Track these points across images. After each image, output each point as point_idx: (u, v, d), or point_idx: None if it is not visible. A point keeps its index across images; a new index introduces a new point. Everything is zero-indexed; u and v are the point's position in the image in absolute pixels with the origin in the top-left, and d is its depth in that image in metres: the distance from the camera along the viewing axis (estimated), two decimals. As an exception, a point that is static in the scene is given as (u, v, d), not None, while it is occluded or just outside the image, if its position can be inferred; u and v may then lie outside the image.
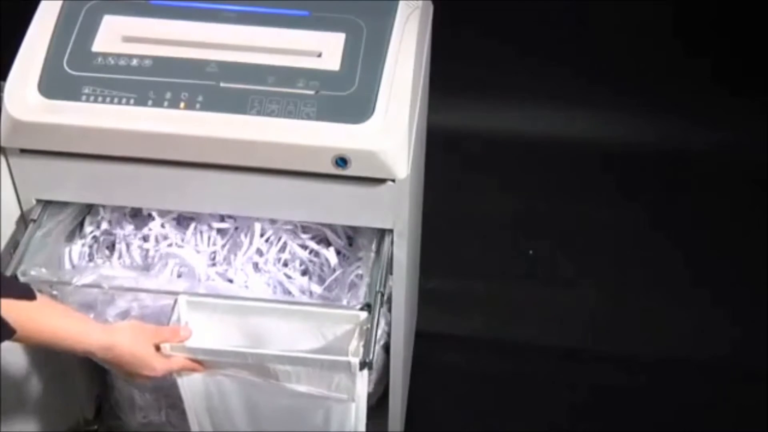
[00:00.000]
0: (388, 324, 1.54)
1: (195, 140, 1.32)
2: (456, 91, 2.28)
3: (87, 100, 1.32)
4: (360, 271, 1.40)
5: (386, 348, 1.59)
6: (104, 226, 1.49)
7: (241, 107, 1.32)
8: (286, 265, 1.48)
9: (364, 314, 1.32)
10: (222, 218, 1.50)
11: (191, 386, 1.38)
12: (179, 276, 1.45)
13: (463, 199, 2.32)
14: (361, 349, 1.29)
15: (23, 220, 1.43)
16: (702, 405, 1.97)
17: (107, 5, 1.40)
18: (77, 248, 1.48)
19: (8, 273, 1.33)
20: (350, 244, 1.50)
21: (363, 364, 1.27)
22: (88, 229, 1.50)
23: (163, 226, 1.48)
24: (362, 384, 1.32)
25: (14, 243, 1.40)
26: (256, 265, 1.47)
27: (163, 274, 1.44)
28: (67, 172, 1.38)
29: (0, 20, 1.84)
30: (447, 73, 1.84)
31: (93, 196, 1.45)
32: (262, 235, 1.47)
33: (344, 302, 1.38)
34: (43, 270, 1.35)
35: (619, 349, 2.07)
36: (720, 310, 2.13)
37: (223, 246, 1.49)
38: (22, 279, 1.33)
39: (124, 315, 1.37)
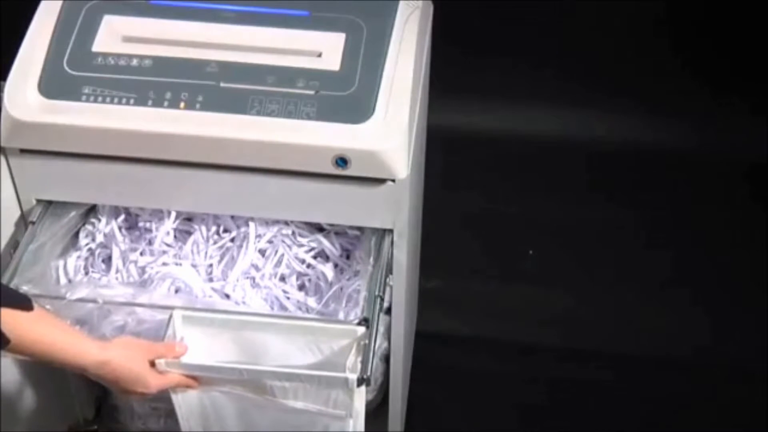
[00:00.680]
0: (388, 328, 1.53)
1: (195, 140, 1.32)
2: (456, 91, 2.28)
3: (87, 100, 1.32)
4: (358, 286, 1.39)
5: (385, 359, 1.59)
6: (99, 238, 1.48)
7: (241, 107, 1.32)
8: (283, 279, 1.47)
9: (361, 329, 1.30)
10: (218, 232, 1.49)
11: (186, 403, 1.36)
12: (176, 291, 1.44)
13: (463, 199, 2.32)
14: (359, 365, 1.27)
15: (23, 221, 1.43)
16: (714, 405, 1.97)
17: (107, 5, 1.40)
18: (72, 261, 1.46)
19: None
20: (347, 257, 1.49)
21: (361, 381, 1.25)
22: (83, 241, 1.48)
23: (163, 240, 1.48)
24: (360, 400, 1.30)
25: (14, 243, 1.40)
26: (253, 280, 1.47)
27: (159, 289, 1.42)
28: (67, 172, 1.38)
29: (0, 20, 1.84)
30: (447, 73, 1.84)
31: (93, 196, 1.45)
32: (258, 237, 1.47)
33: (341, 316, 1.36)
34: (32, 286, 1.33)
35: (619, 349, 2.07)
36: (719, 310, 2.14)
37: (219, 261, 1.48)
38: None
39: (120, 330, 1.35)
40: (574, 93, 2.42)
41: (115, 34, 1.38)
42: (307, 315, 1.43)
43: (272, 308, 1.45)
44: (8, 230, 1.43)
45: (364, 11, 1.39)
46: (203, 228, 1.49)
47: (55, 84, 1.33)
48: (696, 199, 2.34)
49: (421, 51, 1.41)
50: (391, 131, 1.31)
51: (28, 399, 1.57)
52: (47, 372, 1.58)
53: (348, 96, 1.32)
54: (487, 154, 2.39)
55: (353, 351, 1.30)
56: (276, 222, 1.48)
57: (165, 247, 1.48)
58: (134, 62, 1.35)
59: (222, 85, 1.33)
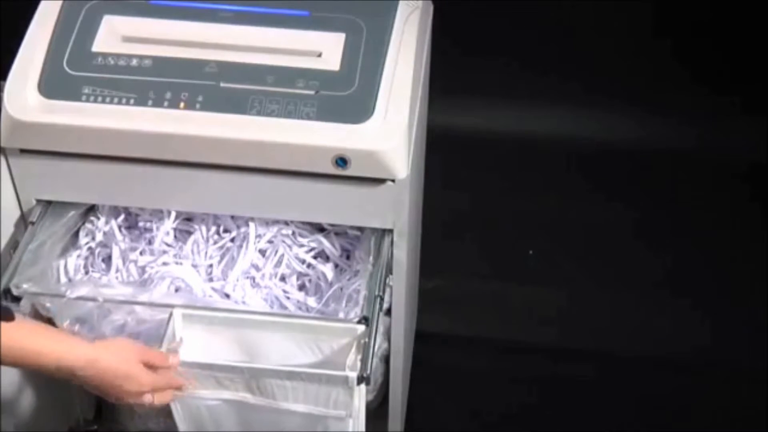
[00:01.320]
0: (388, 329, 1.53)
1: (195, 140, 1.32)
2: (456, 91, 2.28)
3: (87, 100, 1.32)
4: (358, 286, 1.39)
5: (385, 359, 1.59)
6: (99, 237, 1.48)
7: (241, 107, 1.32)
8: (283, 279, 1.47)
9: (361, 327, 1.30)
10: (218, 232, 1.49)
11: (184, 408, 1.36)
12: (176, 290, 1.44)
13: (463, 199, 2.32)
14: (359, 364, 1.27)
15: (23, 221, 1.43)
16: (713, 405, 1.97)
17: (107, 5, 1.40)
18: (72, 260, 1.46)
19: (1, 286, 1.31)
20: (347, 257, 1.49)
21: (361, 379, 1.25)
22: (83, 240, 1.48)
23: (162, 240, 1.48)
24: (360, 399, 1.30)
25: (14, 243, 1.40)
26: (253, 280, 1.47)
27: (158, 288, 1.42)
28: (67, 172, 1.38)
29: (0, 20, 1.84)
30: (447, 73, 1.84)
31: (93, 196, 1.45)
32: (258, 237, 1.47)
33: (341, 315, 1.36)
34: (32, 284, 1.33)
35: (619, 349, 2.07)
36: (718, 310, 2.13)
37: (220, 261, 1.48)
38: (15, 292, 1.31)
39: (120, 330, 1.35)
40: (574, 93, 2.42)
41: (115, 34, 1.38)
42: (307, 313, 1.43)
43: (272, 308, 1.45)
44: (8, 230, 1.43)
45: (363, 11, 1.39)
46: (203, 228, 1.49)
47: (54, 84, 1.33)
48: (695, 199, 2.34)
49: (421, 51, 1.41)
50: (391, 131, 1.31)
51: (29, 399, 1.57)
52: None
53: (348, 96, 1.32)
54: (487, 154, 2.39)
55: (353, 350, 1.30)
56: (276, 222, 1.48)
57: (165, 247, 1.48)
58: (134, 62, 1.35)
59: (222, 85, 1.33)
